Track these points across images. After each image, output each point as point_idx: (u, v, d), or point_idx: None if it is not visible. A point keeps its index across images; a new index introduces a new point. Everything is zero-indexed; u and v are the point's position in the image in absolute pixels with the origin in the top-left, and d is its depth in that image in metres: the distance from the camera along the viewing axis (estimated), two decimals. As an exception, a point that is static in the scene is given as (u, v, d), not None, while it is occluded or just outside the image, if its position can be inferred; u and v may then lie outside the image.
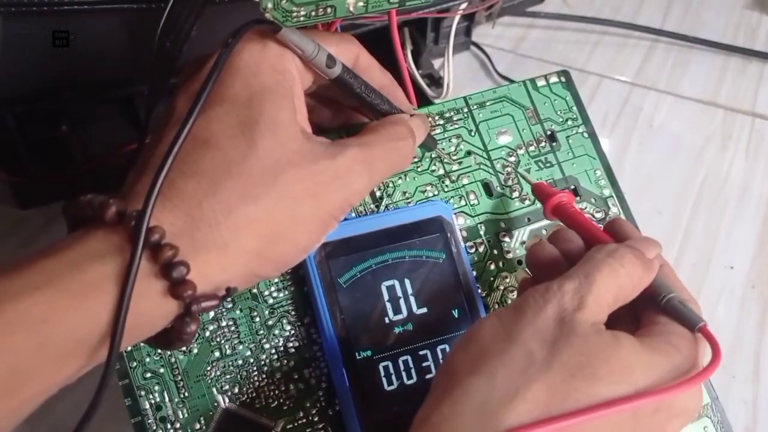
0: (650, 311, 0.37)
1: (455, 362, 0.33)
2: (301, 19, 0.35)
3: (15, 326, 0.27)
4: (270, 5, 0.33)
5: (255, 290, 0.41)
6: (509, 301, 0.45)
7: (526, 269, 0.44)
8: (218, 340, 0.40)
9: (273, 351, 0.41)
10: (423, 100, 0.67)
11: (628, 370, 0.32)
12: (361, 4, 0.36)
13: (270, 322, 0.41)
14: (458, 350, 0.34)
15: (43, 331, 0.27)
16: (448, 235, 0.44)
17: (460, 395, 0.31)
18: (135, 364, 0.39)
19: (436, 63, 0.71)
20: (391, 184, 0.45)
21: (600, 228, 0.41)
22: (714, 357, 0.33)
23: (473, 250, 0.45)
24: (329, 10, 0.35)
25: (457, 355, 0.34)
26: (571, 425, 0.30)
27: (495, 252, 0.46)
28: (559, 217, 0.43)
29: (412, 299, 0.42)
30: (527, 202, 0.47)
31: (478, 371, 0.32)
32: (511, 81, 0.72)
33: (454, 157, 0.47)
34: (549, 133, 0.49)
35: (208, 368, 0.40)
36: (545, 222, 0.47)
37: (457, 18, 0.65)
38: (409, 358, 0.41)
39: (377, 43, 0.47)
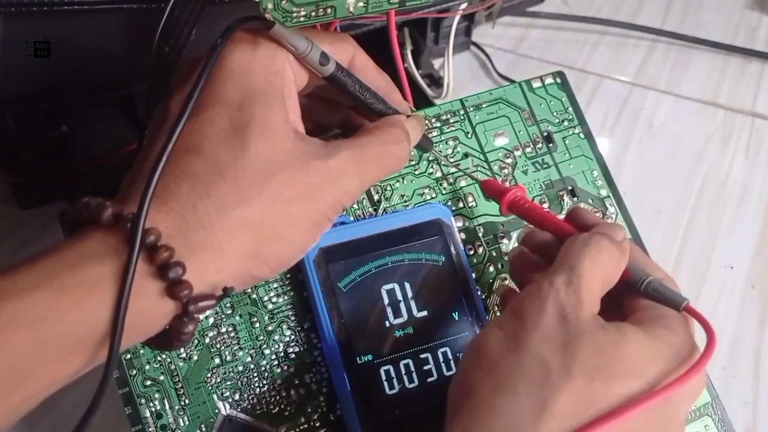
0: (631, 297, 0.37)
1: (470, 379, 0.33)
2: (301, 19, 0.35)
3: (15, 324, 0.27)
4: (270, 5, 0.33)
5: (254, 296, 0.41)
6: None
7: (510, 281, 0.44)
8: (218, 346, 0.40)
9: (273, 357, 0.41)
10: (423, 100, 0.67)
11: (639, 365, 0.32)
12: (361, 4, 0.36)
13: (270, 328, 0.41)
14: (470, 366, 0.34)
15: (42, 328, 0.27)
16: (447, 237, 0.44)
17: (488, 417, 0.31)
18: (135, 372, 0.39)
19: (436, 63, 0.71)
20: (389, 188, 0.45)
21: (559, 218, 0.41)
22: (708, 335, 0.34)
23: (472, 252, 0.45)
24: (329, 10, 0.35)
25: (471, 371, 0.34)
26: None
27: (494, 254, 0.46)
28: (515, 212, 0.43)
29: (412, 302, 0.42)
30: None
31: (500, 389, 0.32)
32: (511, 81, 0.72)
33: (452, 160, 0.47)
34: (545, 134, 0.49)
35: (209, 375, 0.40)
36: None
37: (457, 18, 0.65)
38: (410, 361, 0.41)
39: (377, 43, 0.47)
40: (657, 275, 0.37)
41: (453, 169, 0.47)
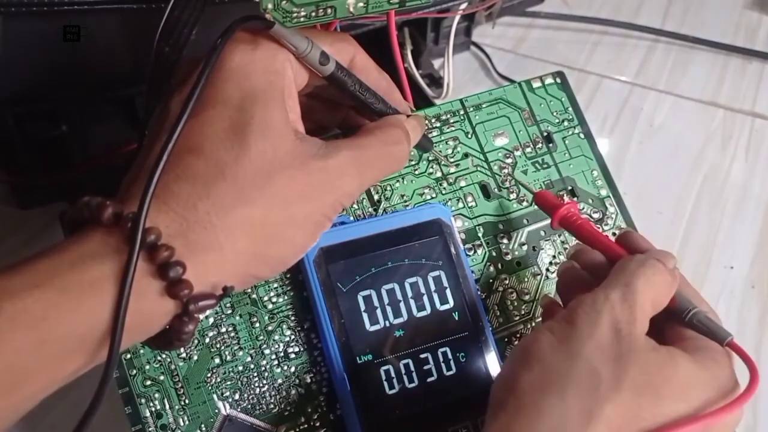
0: (675, 326, 0.37)
1: (519, 380, 0.34)
2: (302, 19, 0.35)
3: (15, 324, 0.27)
4: (270, 6, 0.33)
5: (254, 296, 0.41)
6: (509, 303, 0.45)
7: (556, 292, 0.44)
8: (218, 346, 0.40)
9: (273, 356, 0.41)
10: (423, 100, 0.67)
11: (686, 389, 0.33)
12: (361, 4, 0.36)
13: (270, 328, 0.41)
14: (519, 367, 0.34)
15: (43, 328, 0.27)
16: (447, 237, 0.44)
17: (534, 416, 0.31)
18: (135, 371, 0.39)
19: (436, 63, 0.71)
20: (389, 188, 0.45)
21: (610, 238, 0.41)
22: (752, 372, 0.34)
23: (472, 253, 0.46)
24: (329, 10, 0.35)
25: (520, 372, 0.34)
26: None
27: (494, 254, 0.46)
28: (566, 228, 0.43)
29: (411, 302, 0.42)
30: (525, 204, 0.47)
31: (548, 391, 0.32)
32: (512, 81, 0.72)
33: (452, 160, 0.47)
34: (545, 134, 0.49)
35: (209, 375, 0.40)
36: (543, 223, 0.47)
37: (457, 18, 0.65)
38: (410, 361, 0.41)
39: (377, 43, 0.47)
40: (702, 307, 0.37)
41: (453, 169, 0.47)
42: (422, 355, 0.41)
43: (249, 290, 0.41)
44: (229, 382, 0.40)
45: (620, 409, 0.31)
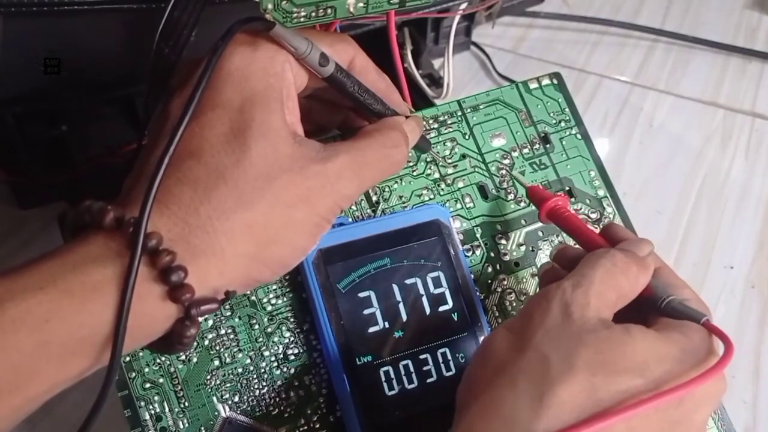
0: (654, 314, 0.37)
1: (476, 378, 0.34)
2: (302, 20, 0.35)
3: (18, 325, 0.27)
4: (270, 6, 0.33)
5: (254, 297, 0.41)
6: (507, 303, 0.45)
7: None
8: (217, 348, 0.40)
9: (273, 358, 0.41)
10: (423, 101, 0.67)
11: (643, 363, 0.32)
12: (361, 4, 0.36)
13: (269, 330, 0.41)
14: (476, 366, 0.35)
15: (46, 330, 0.27)
16: (446, 238, 0.44)
17: (490, 410, 0.31)
18: (134, 374, 0.39)
19: (436, 63, 0.71)
20: (387, 189, 0.45)
21: (595, 232, 0.41)
22: (726, 346, 0.34)
23: (470, 253, 0.46)
24: (329, 11, 0.35)
25: (477, 370, 0.34)
26: (602, 427, 0.30)
27: (492, 254, 0.46)
28: (554, 221, 0.43)
29: (410, 303, 0.42)
30: (522, 204, 0.47)
31: (501, 383, 0.32)
32: (511, 81, 0.72)
33: (449, 161, 0.47)
34: (542, 135, 0.49)
35: (208, 377, 0.40)
36: (540, 224, 0.47)
37: (457, 18, 0.65)
38: (409, 362, 0.41)
39: (377, 43, 0.47)
40: (683, 294, 0.37)
41: (451, 170, 0.47)
42: (422, 356, 0.41)
43: (248, 292, 0.41)
44: (228, 385, 0.40)
45: (573, 390, 0.31)
